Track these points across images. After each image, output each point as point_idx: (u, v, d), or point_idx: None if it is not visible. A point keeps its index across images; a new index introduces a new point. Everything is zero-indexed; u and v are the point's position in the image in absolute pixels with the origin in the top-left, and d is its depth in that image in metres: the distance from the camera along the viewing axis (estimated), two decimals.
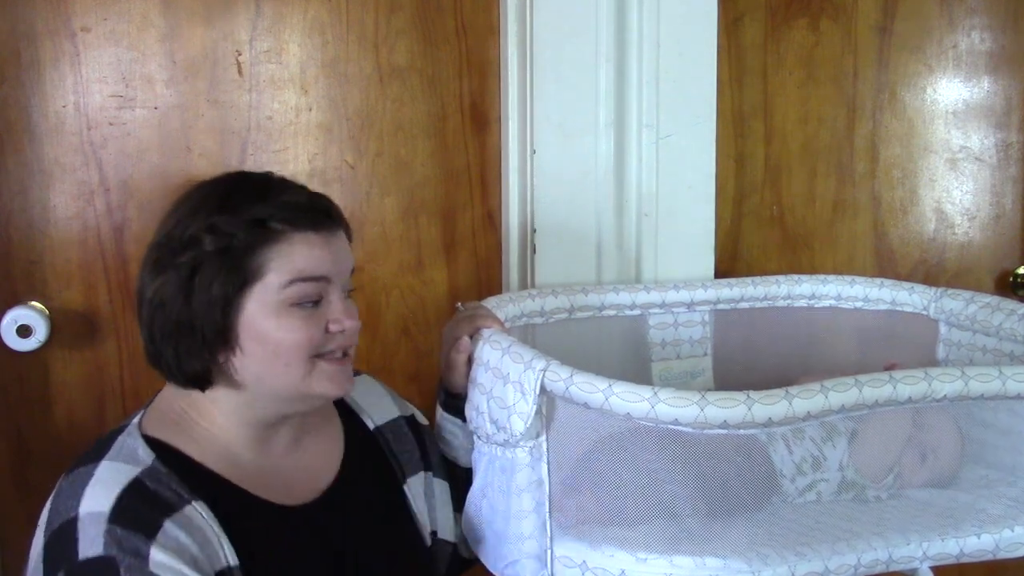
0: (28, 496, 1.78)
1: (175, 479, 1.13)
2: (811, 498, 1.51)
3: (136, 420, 1.20)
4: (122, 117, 1.75)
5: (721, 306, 1.82)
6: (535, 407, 1.21)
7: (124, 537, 1.06)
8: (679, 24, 1.86)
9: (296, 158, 1.83)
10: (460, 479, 1.41)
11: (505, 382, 1.25)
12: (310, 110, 1.83)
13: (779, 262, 2.14)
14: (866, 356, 1.82)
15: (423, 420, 1.46)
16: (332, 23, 1.82)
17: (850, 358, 1.83)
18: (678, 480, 1.29)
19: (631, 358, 1.77)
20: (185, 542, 1.08)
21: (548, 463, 1.26)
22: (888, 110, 2.17)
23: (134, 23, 1.74)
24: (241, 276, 1.14)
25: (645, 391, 1.14)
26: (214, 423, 1.20)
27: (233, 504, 1.16)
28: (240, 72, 1.79)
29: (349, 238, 1.25)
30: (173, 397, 1.22)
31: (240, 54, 1.79)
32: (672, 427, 1.15)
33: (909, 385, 1.22)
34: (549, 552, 1.28)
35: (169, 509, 1.10)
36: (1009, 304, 1.63)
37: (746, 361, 1.83)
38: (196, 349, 1.15)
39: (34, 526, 1.79)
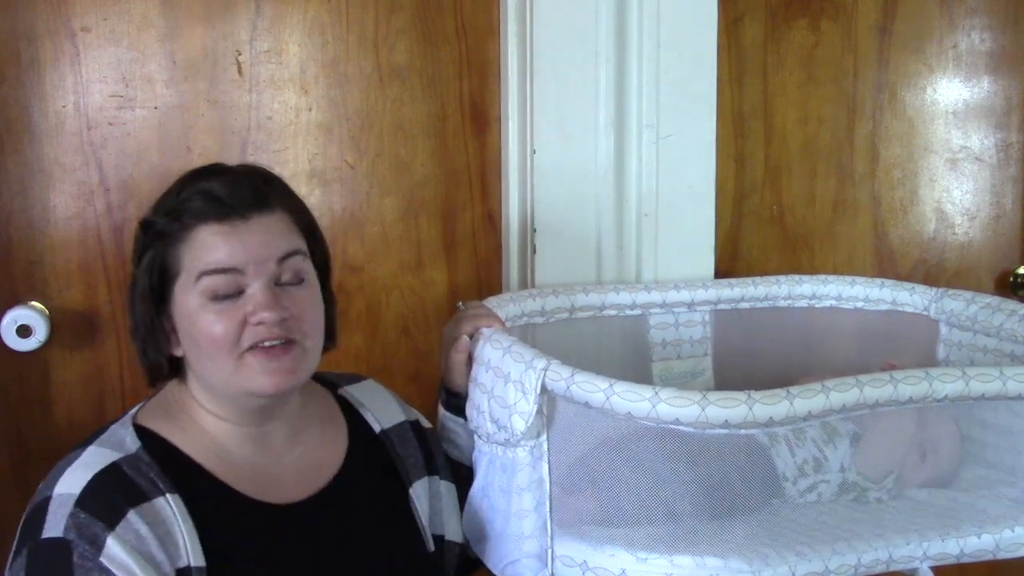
0: (28, 496, 1.77)
1: (156, 469, 1.14)
2: (811, 499, 1.51)
3: (133, 411, 1.22)
4: (122, 117, 1.75)
5: (721, 306, 1.82)
6: (536, 406, 1.21)
7: (85, 523, 1.08)
8: (679, 24, 1.86)
9: (296, 158, 1.83)
10: (464, 479, 1.40)
11: (506, 381, 1.25)
12: (310, 110, 1.83)
13: (779, 262, 2.14)
14: (866, 356, 1.82)
15: (427, 424, 1.45)
16: (332, 23, 1.82)
17: (851, 358, 1.83)
18: (679, 480, 1.29)
19: (631, 358, 1.77)
20: (145, 535, 1.09)
21: (549, 462, 1.26)
22: (888, 110, 2.17)
23: (134, 23, 1.74)
24: (162, 270, 1.16)
25: (646, 391, 1.14)
26: (201, 417, 1.21)
27: (212, 500, 1.17)
28: (240, 72, 1.79)
29: (307, 222, 1.23)
30: (171, 389, 1.24)
31: (240, 54, 1.79)
32: (673, 427, 1.15)
33: (910, 385, 1.22)
34: (550, 551, 1.28)
35: (139, 498, 1.11)
36: (1010, 304, 1.63)
37: (747, 361, 1.83)
38: (141, 342, 1.19)
39: None
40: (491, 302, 1.56)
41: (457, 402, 1.40)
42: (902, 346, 1.78)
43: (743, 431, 1.14)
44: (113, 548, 1.07)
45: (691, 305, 1.79)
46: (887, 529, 1.39)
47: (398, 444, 1.37)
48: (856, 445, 1.53)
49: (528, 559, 1.28)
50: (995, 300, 1.66)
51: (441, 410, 1.46)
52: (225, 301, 1.15)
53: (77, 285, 1.76)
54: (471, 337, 1.37)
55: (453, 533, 1.39)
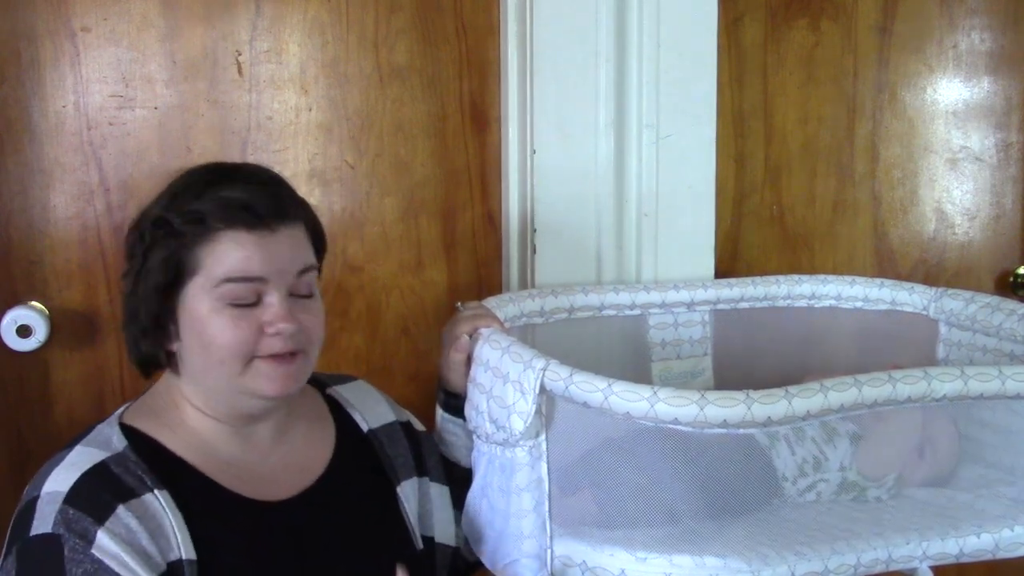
0: None
1: (143, 467, 1.15)
2: (811, 498, 1.51)
3: (120, 411, 1.23)
4: (122, 117, 1.75)
5: (721, 306, 1.82)
6: (535, 406, 1.21)
7: (74, 518, 1.08)
8: (679, 24, 1.86)
9: (296, 158, 1.83)
10: (460, 481, 1.40)
11: (505, 381, 1.25)
12: (310, 110, 1.83)
13: (779, 262, 2.14)
14: (866, 356, 1.82)
15: (419, 426, 1.45)
16: (332, 23, 1.82)
17: (850, 358, 1.83)
18: (678, 479, 1.29)
19: (631, 358, 1.77)
20: (136, 530, 1.10)
21: (548, 462, 1.26)
22: (888, 110, 2.17)
23: (134, 23, 1.74)
24: (179, 269, 1.16)
25: (644, 390, 1.14)
26: (190, 415, 1.22)
27: (200, 496, 1.17)
28: (240, 72, 1.79)
29: (318, 235, 1.25)
30: (159, 388, 1.24)
31: (240, 54, 1.79)
32: (672, 426, 1.15)
33: (909, 384, 1.22)
34: (549, 551, 1.28)
35: (127, 494, 1.12)
36: (1009, 304, 1.63)
37: (746, 361, 1.83)
38: (140, 334, 1.19)
39: None
40: (490, 302, 1.56)
41: (456, 402, 1.40)
42: (902, 346, 1.78)
43: (741, 431, 1.14)
44: (104, 540, 1.08)
45: (691, 305, 1.79)
46: (886, 529, 1.39)
47: (387, 444, 1.38)
48: (856, 444, 1.53)
49: (527, 559, 1.28)
50: (994, 300, 1.67)
51: (439, 411, 1.46)
52: (242, 308, 1.16)
53: (77, 285, 1.77)
54: (470, 337, 1.37)
55: (444, 535, 1.39)
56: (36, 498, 1.12)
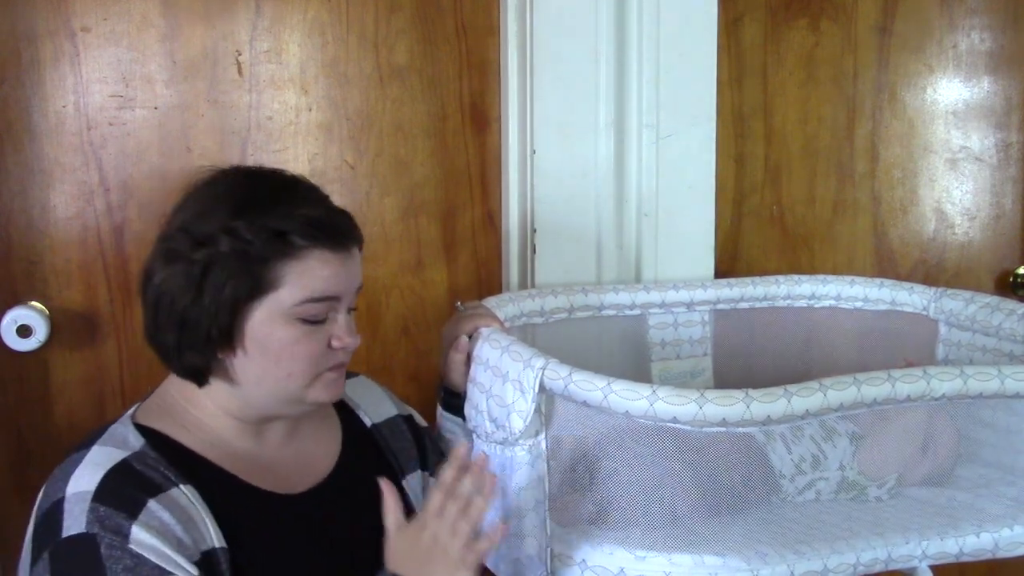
0: (28, 496, 1.77)
1: (164, 463, 1.14)
2: (810, 496, 1.51)
3: (130, 411, 1.22)
4: (122, 117, 1.75)
5: (721, 306, 1.82)
6: (534, 405, 1.22)
7: (106, 515, 1.07)
8: (679, 24, 1.86)
9: (296, 158, 1.83)
10: None
11: (504, 380, 1.25)
12: (310, 110, 1.83)
13: (779, 262, 2.14)
14: (866, 356, 1.82)
15: (422, 422, 1.46)
16: (332, 23, 1.82)
17: (850, 358, 1.83)
18: (677, 478, 1.29)
19: (631, 358, 1.77)
20: (169, 522, 1.09)
21: (547, 461, 1.26)
22: (888, 110, 2.17)
23: (134, 23, 1.74)
24: (255, 284, 1.14)
25: (644, 389, 1.14)
26: (206, 412, 1.21)
27: (223, 489, 1.17)
28: (240, 72, 1.80)
29: (360, 248, 1.24)
30: (169, 388, 1.23)
31: (240, 54, 1.79)
32: (671, 425, 1.15)
33: (908, 384, 1.22)
34: (548, 550, 1.28)
35: (155, 489, 1.11)
36: (1009, 304, 1.63)
37: (746, 361, 1.83)
38: (198, 345, 1.15)
39: None
40: (490, 302, 1.56)
41: (456, 402, 1.40)
42: (901, 346, 1.78)
43: (740, 429, 1.14)
44: (140, 534, 1.07)
45: (690, 305, 1.79)
46: (886, 528, 1.39)
47: (390, 438, 1.38)
48: (856, 443, 1.53)
49: (527, 558, 1.28)
50: (994, 300, 1.67)
51: (440, 410, 1.46)
52: (313, 324, 1.18)
53: (77, 285, 1.77)
54: (470, 337, 1.38)
55: None
56: (62, 499, 1.10)
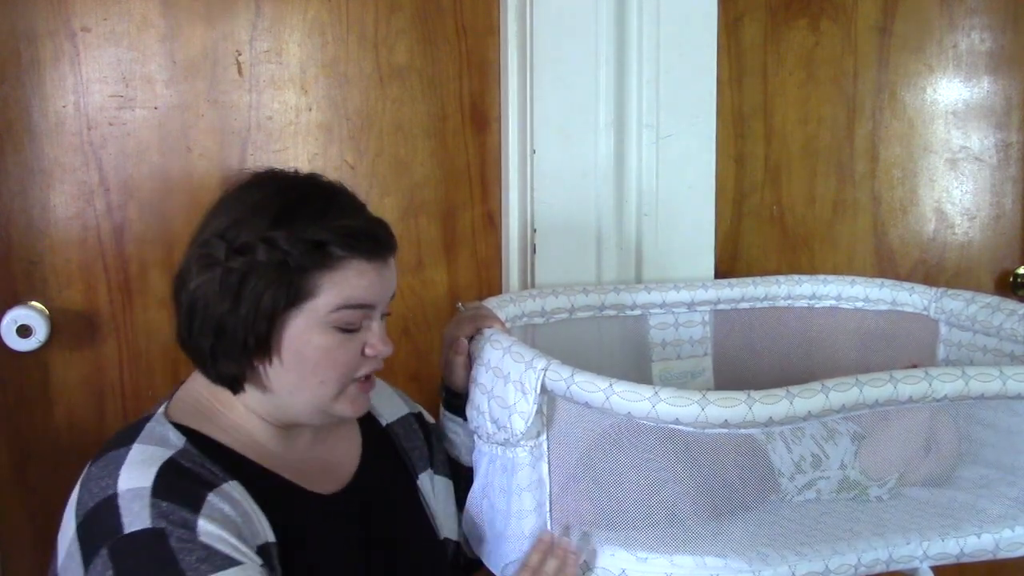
0: (28, 496, 1.78)
1: (208, 461, 1.14)
2: (810, 496, 1.51)
3: (161, 409, 1.20)
4: (122, 117, 1.75)
5: (721, 306, 1.82)
6: (536, 406, 1.22)
7: (170, 510, 1.07)
8: (679, 24, 1.86)
9: (296, 158, 1.83)
10: (463, 478, 1.41)
11: (506, 381, 1.25)
12: (310, 110, 1.83)
13: (779, 262, 2.14)
14: (866, 356, 1.82)
15: (430, 419, 1.47)
16: (332, 23, 1.82)
17: (850, 358, 1.83)
18: (679, 479, 1.29)
19: (631, 358, 1.77)
20: (230, 514, 1.09)
21: (549, 463, 1.26)
22: (888, 110, 2.17)
23: (134, 23, 1.74)
24: (293, 293, 1.14)
25: (646, 390, 1.14)
26: (238, 414, 1.21)
27: (267, 486, 1.17)
28: (240, 72, 1.79)
29: (395, 256, 1.25)
30: (196, 388, 1.23)
31: (240, 54, 1.79)
32: (673, 426, 1.15)
33: (909, 385, 1.22)
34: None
35: (209, 484, 1.11)
36: (1009, 304, 1.63)
37: (746, 361, 1.83)
38: (234, 352, 1.15)
39: (34, 526, 1.79)
40: (491, 302, 1.56)
41: (458, 402, 1.41)
42: (902, 346, 1.78)
43: (743, 431, 1.14)
44: (207, 526, 1.07)
45: (691, 305, 1.79)
46: (887, 529, 1.39)
47: (403, 437, 1.40)
48: (858, 443, 1.53)
49: None
50: (995, 300, 1.67)
51: (443, 410, 1.47)
52: (348, 332, 1.18)
53: (77, 285, 1.76)
54: (471, 338, 1.38)
55: (448, 530, 1.40)
56: (113, 496, 1.08)
